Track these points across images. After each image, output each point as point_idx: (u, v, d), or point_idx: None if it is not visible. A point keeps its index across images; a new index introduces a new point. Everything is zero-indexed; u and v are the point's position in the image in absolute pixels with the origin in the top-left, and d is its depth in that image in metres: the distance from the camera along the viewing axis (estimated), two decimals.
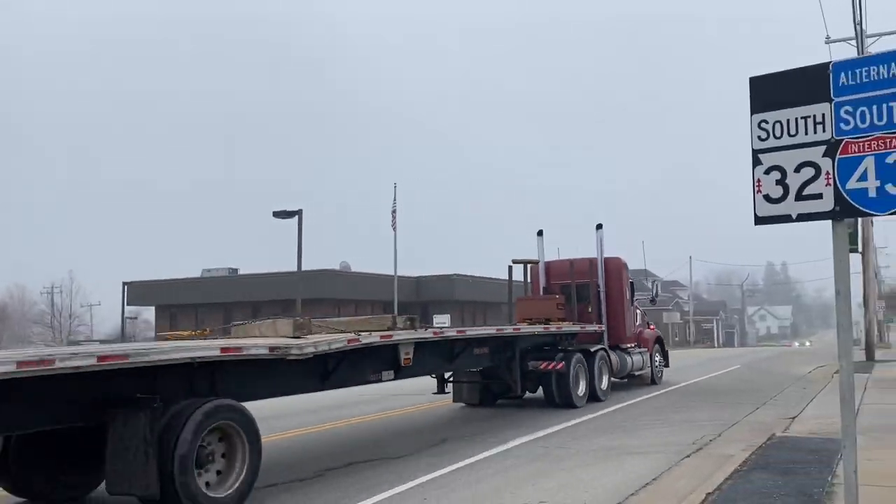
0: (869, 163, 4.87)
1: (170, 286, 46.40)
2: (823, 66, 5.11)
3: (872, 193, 4.85)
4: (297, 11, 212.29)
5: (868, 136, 4.88)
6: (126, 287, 45.70)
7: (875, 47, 25.98)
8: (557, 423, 11.73)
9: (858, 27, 25.09)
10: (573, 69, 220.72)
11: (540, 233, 17.80)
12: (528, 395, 14.20)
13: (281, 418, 13.84)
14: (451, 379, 14.29)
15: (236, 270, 47.55)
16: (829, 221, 5.11)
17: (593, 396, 14.39)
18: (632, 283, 17.83)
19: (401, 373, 10.10)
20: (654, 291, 21.97)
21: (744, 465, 7.65)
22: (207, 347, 7.00)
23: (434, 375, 13.27)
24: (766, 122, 5.30)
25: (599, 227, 16.73)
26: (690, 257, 77.20)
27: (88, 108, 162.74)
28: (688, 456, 8.77)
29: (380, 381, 9.88)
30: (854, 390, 5.23)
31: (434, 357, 11.09)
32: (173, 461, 6.19)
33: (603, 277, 16.62)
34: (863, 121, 4.91)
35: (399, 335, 9.67)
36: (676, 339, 67.35)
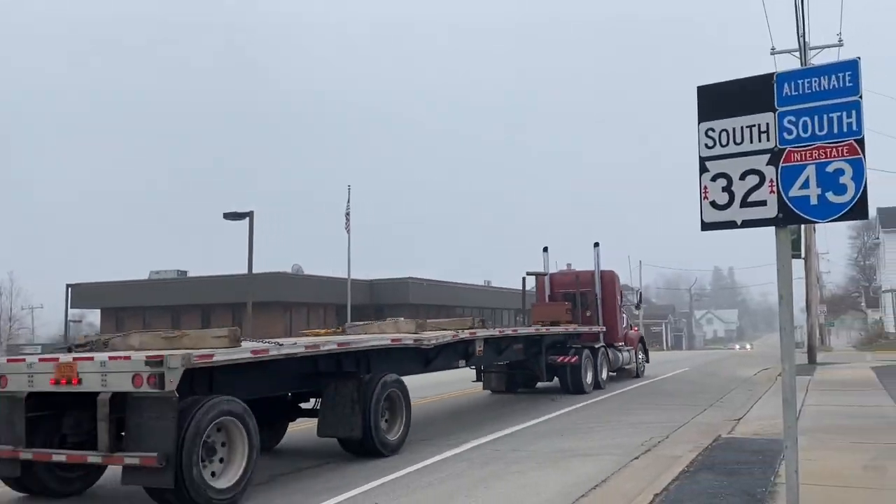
0: (810, 171, 5.02)
1: (116, 288, 45.31)
2: (768, 77, 5.26)
3: (814, 201, 5.01)
4: (246, 11, 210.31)
5: (810, 146, 5.04)
6: (70, 289, 44.47)
7: (818, 59, 26.85)
8: (511, 426, 11.80)
9: (802, 39, 25.85)
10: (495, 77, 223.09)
11: (545, 249, 21.01)
12: (519, 390, 16.76)
13: None
14: (485, 370, 17.04)
15: (185, 273, 46.68)
16: (773, 228, 5.25)
17: (597, 385, 17.54)
18: (621, 292, 20.84)
19: (470, 361, 13.49)
20: (638, 299, 26.04)
21: (690, 466, 7.80)
22: (382, 338, 10.48)
23: (479, 367, 16.53)
24: (713, 130, 5.43)
25: (596, 245, 19.79)
26: (640, 262, 78.51)
27: (35, 105, 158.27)
28: (637, 457, 8.91)
29: (458, 367, 13.22)
30: (796, 392, 5.38)
31: (491, 350, 14.09)
32: (369, 413, 9.06)
33: (600, 287, 19.47)
34: (805, 130, 5.06)
35: (480, 332, 13.17)
36: None
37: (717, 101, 5.46)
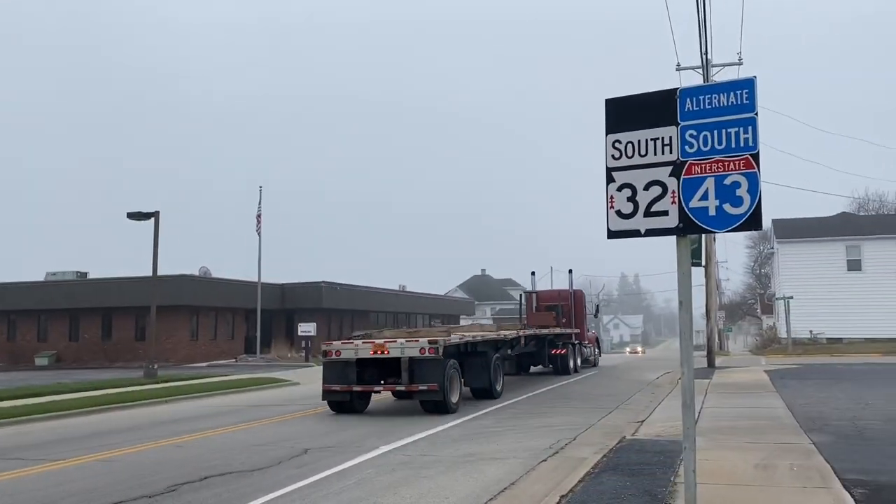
0: (710, 183, 5.24)
1: (8, 290, 42.79)
2: (671, 92, 5.46)
3: (712, 212, 5.22)
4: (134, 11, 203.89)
5: (709, 159, 5.25)
6: None
7: (720, 76, 28.11)
8: (422, 431, 11.81)
9: (704, 57, 26.99)
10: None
11: (532, 273, 30.02)
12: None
13: (134, 431, 13.11)
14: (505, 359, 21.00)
15: (85, 274, 44.52)
16: (675, 237, 5.45)
17: (575, 370, 25.72)
18: (585, 304, 29.69)
19: (514, 349, 20.18)
20: (596, 310, 35.18)
21: (596, 468, 8.00)
22: (496, 334, 18.25)
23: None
24: (620, 142, 5.59)
25: (570, 271, 28.93)
26: (551, 268, 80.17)
27: None
28: (545, 460, 9.06)
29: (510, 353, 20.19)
30: (695, 396, 5.59)
31: (523, 343, 20.78)
32: (490, 373, 16.32)
33: (573, 301, 27.65)
34: (705, 144, 5.28)
35: (523, 332, 20.58)
36: None
37: (623, 113, 5.62)
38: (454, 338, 15.42)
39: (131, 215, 25.77)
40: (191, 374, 27.38)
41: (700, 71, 27.66)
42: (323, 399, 15.08)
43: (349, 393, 14.74)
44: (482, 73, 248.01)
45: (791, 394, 15.63)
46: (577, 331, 26.69)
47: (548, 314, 25.86)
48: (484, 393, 16.48)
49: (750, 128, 5.15)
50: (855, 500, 6.28)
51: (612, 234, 5.57)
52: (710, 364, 27.53)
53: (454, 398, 14.54)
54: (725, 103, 5.24)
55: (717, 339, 38.14)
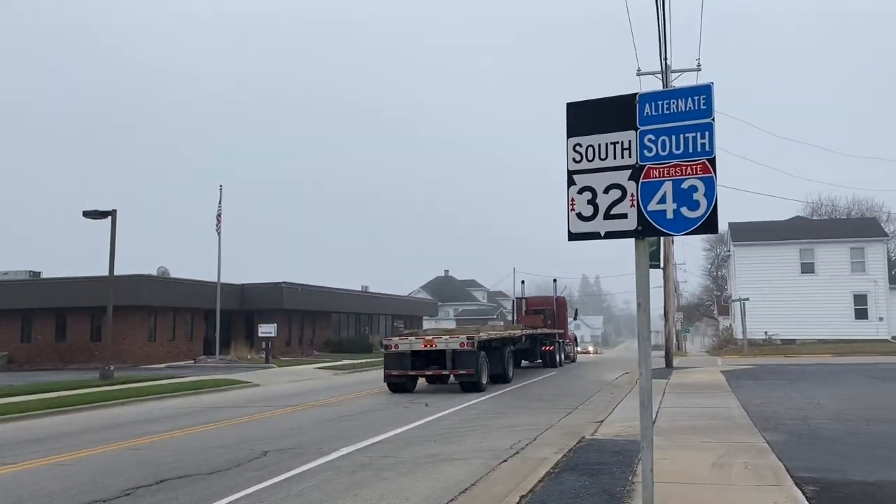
0: (668, 187, 5.32)
1: None
2: (631, 97, 5.53)
3: (670, 215, 5.30)
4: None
5: (667, 163, 5.34)
6: None
7: (679, 82, 28.56)
8: (383, 433, 11.78)
9: (664, 63, 27.42)
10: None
11: (522, 282, 37.07)
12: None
13: (89, 433, 12.84)
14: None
15: (38, 274, 43.45)
16: (633, 239, 5.52)
17: (560, 363, 30.56)
18: (567, 308, 34.55)
19: (517, 346, 24.30)
20: (575, 312, 39.88)
21: (556, 468, 8.07)
22: (511, 332, 23.76)
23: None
24: (580, 145, 5.65)
25: (555, 280, 34.23)
26: (514, 269, 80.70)
27: None
28: (505, 460, 9.11)
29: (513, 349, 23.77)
30: (652, 395, 5.68)
31: (518, 342, 24.80)
32: (506, 363, 21.30)
33: (556, 306, 32.33)
34: (663, 149, 5.36)
35: (525, 332, 25.65)
36: None
37: (584, 117, 5.68)
38: (483, 335, 20.04)
39: (87, 214, 25.25)
40: (148, 376, 26.90)
41: (660, 76, 28.09)
42: (384, 382, 19.84)
43: (405, 377, 19.50)
44: (443, 73, 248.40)
45: (746, 394, 15.96)
46: (561, 331, 31.49)
47: (536, 317, 30.22)
48: (500, 378, 20.87)
49: (707, 133, 5.24)
50: (807, 497, 6.43)
51: (572, 237, 5.63)
52: (668, 364, 27.95)
53: (484, 380, 19.42)
54: (683, 109, 5.32)
55: (674, 340, 38.68)
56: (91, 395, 19.10)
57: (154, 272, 41.06)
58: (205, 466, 9.22)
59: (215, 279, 39.10)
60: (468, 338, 18.95)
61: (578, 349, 42.49)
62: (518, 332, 24.63)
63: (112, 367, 25.16)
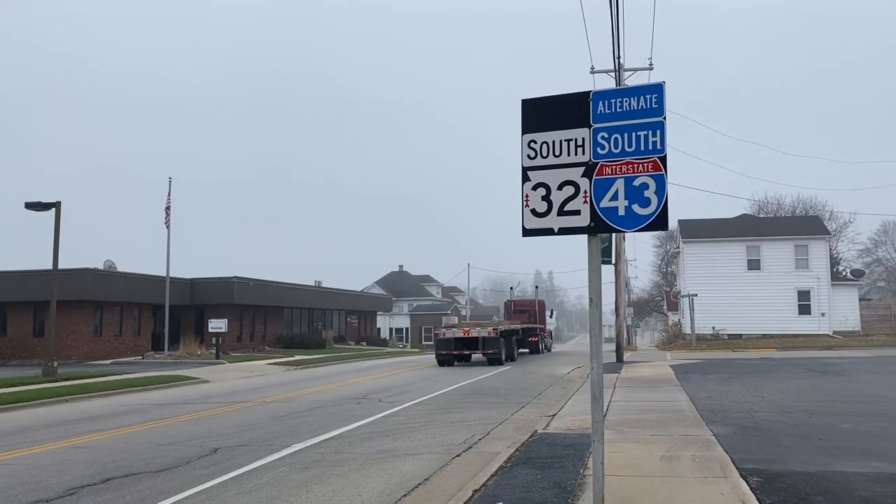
0: (620, 184, 5.39)
1: None
2: (585, 95, 5.58)
3: (622, 212, 5.37)
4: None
5: (620, 161, 5.40)
6: None
7: (632, 80, 28.96)
8: (336, 429, 11.70)
9: (617, 61, 27.75)
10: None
11: (511, 287, 52.56)
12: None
13: (31, 431, 12.46)
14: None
15: None
16: (586, 235, 5.58)
17: (541, 351, 40.32)
18: (546, 308, 44.47)
19: (512, 337, 32.34)
20: (552, 312, 49.96)
21: (508, 462, 8.12)
22: (515, 326, 34.70)
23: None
24: (535, 142, 5.68)
25: (537, 287, 52.95)
26: (469, 264, 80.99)
27: None
28: (458, 455, 9.13)
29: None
30: (603, 389, 5.75)
31: (516, 333, 33.93)
32: (513, 348, 32.20)
33: (538, 306, 41.55)
34: (616, 146, 5.42)
35: (520, 326, 35.68)
36: None
37: (539, 114, 5.71)
38: (502, 327, 30.71)
39: (30, 205, 24.50)
40: (94, 372, 26.26)
41: (613, 75, 28.44)
42: (436, 358, 29.89)
43: (450, 355, 29.44)
44: (401, 67, 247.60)
45: (694, 388, 16.30)
46: (542, 326, 41.62)
47: (522, 315, 39.57)
48: (509, 358, 30.53)
49: (658, 131, 5.32)
50: (751, 488, 6.60)
51: (526, 232, 5.67)
52: (619, 359, 28.41)
53: (503, 358, 29.04)
54: (636, 107, 5.39)
55: (625, 335, 39.44)
56: (33, 392, 18.55)
57: (100, 265, 40.06)
58: (152, 464, 9.04)
59: (164, 273, 38.35)
60: (494, 329, 29.39)
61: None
62: (518, 326, 34.37)
63: (56, 364, 24.48)
